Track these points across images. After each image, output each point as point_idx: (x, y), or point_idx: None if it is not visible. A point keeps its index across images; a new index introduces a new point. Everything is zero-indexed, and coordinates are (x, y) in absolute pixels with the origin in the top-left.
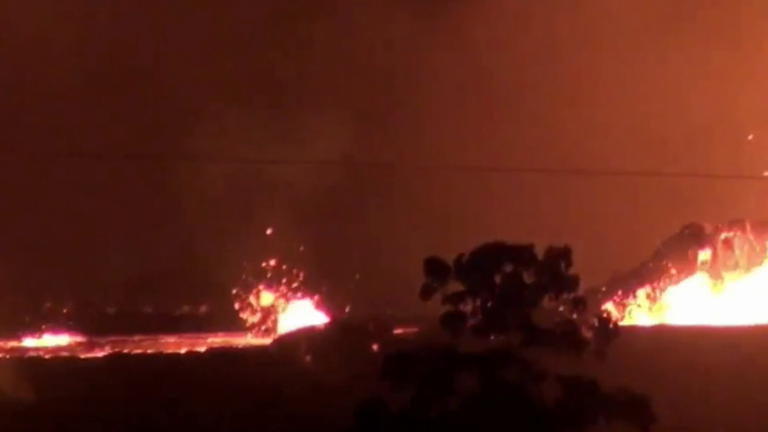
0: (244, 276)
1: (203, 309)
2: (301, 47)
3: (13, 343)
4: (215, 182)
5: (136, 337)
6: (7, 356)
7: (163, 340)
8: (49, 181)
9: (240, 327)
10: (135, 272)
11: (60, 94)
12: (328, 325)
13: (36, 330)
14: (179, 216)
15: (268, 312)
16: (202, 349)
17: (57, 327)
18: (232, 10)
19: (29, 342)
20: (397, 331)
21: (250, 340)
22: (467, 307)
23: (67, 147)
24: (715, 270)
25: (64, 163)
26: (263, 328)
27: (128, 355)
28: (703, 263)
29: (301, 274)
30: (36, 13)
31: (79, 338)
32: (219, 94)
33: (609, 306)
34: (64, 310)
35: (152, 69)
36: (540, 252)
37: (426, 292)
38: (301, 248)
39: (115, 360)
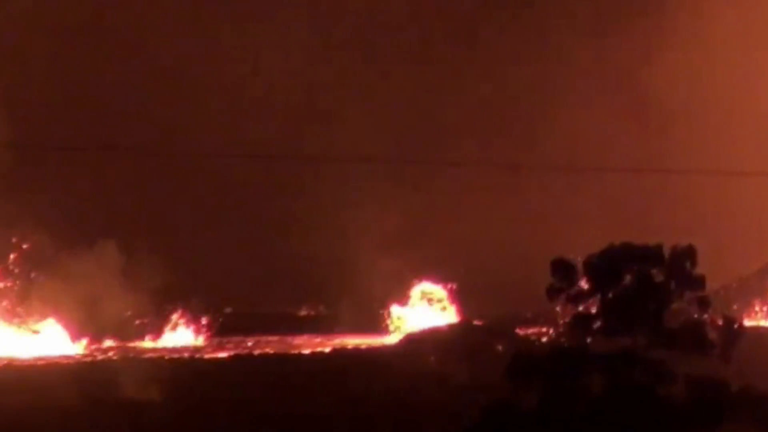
0: (364, 276)
1: (323, 309)
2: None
3: (134, 344)
4: (336, 182)
5: (250, 337)
6: (130, 357)
7: (283, 341)
8: (171, 183)
9: (361, 327)
10: (254, 272)
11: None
12: (453, 326)
13: (156, 330)
14: (299, 216)
15: (390, 313)
16: (327, 349)
17: (177, 327)
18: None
19: (149, 343)
20: (523, 331)
21: (374, 340)
22: (594, 307)
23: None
24: None
25: (196, 165)
26: (389, 328)
27: (253, 355)
28: None
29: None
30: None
31: (200, 338)
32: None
33: (735, 306)
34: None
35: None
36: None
37: (552, 293)
38: (424, 249)
39: (241, 360)
